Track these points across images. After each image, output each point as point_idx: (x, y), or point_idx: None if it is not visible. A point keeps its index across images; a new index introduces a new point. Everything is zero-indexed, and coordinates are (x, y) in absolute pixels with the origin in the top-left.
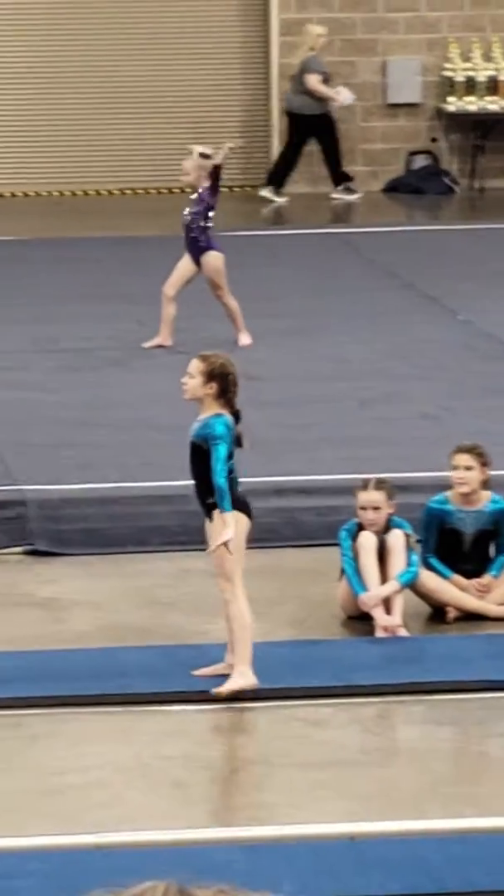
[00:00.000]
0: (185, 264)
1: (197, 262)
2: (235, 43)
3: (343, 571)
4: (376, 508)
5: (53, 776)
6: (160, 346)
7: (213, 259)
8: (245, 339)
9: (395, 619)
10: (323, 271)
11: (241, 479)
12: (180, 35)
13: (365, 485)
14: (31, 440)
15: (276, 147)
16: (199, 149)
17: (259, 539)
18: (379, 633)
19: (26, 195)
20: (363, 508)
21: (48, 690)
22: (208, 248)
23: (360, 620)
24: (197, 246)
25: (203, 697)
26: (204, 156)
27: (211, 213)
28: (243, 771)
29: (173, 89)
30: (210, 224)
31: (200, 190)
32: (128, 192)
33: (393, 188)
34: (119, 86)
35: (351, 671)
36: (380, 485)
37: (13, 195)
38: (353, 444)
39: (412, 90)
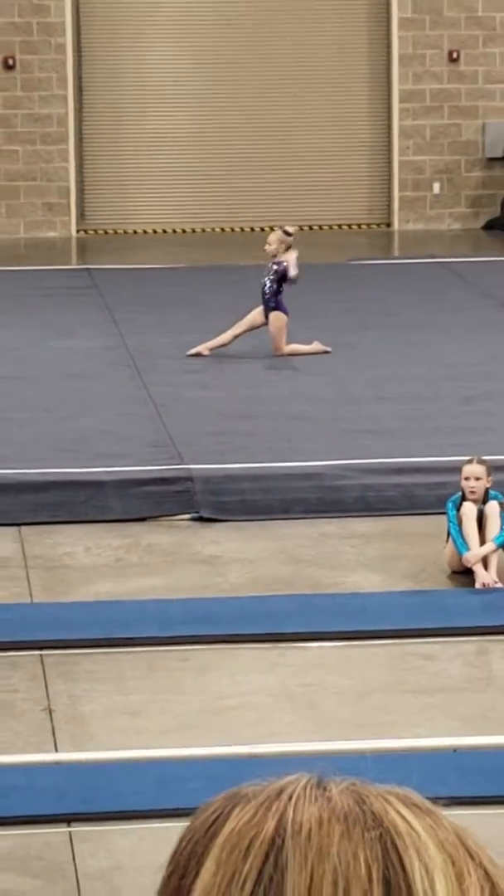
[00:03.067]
0: (257, 315)
1: (267, 316)
2: (364, 109)
3: (449, 535)
4: (478, 479)
5: (216, 700)
6: (199, 355)
7: (277, 318)
8: (319, 347)
9: (492, 574)
10: (434, 293)
11: (369, 460)
12: (318, 99)
13: (470, 460)
14: (198, 429)
15: (396, 192)
16: (286, 227)
17: (382, 509)
18: (478, 586)
19: (194, 231)
20: (467, 479)
21: (212, 630)
22: (276, 308)
23: (463, 575)
24: (268, 306)
25: (336, 636)
26: (286, 233)
27: (284, 284)
28: (368, 696)
29: (311, 145)
30: (282, 290)
31: (276, 263)
32: (276, 228)
33: (491, 226)
34: (267, 144)
35: (456, 615)
36: (481, 461)
37: (184, 231)
38: (459, 432)
39: None
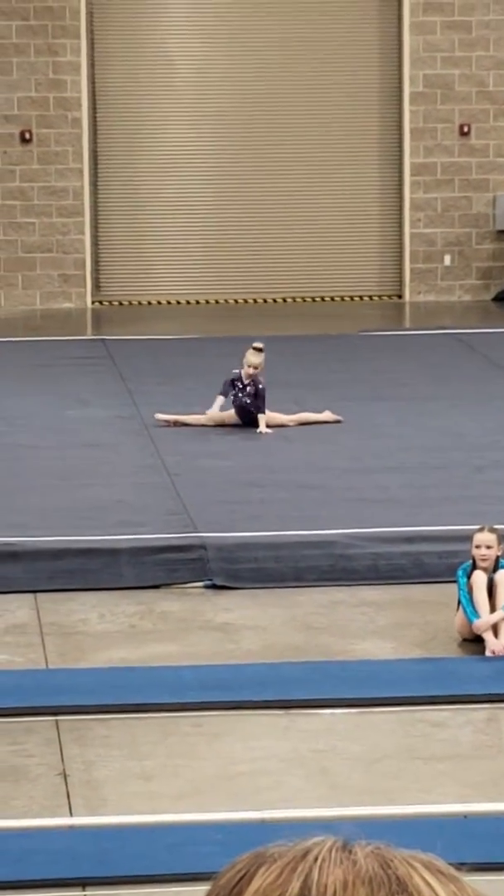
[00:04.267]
0: (229, 417)
1: (252, 422)
2: (375, 182)
3: (459, 603)
4: (489, 547)
5: (229, 765)
6: (167, 423)
7: (267, 418)
8: (331, 416)
9: (502, 641)
10: (444, 364)
11: (380, 529)
12: (331, 172)
13: (481, 528)
14: (211, 497)
15: (407, 264)
16: (256, 343)
17: (393, 577)
18: (488, 653)
19: (208, 302)
20: (478, 546)
21: (224, 696)
22: (259, 411)
23: (473, 643)
24: (254, 417)
25: (348, 703)
26: (259, 349)
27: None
28: (379, 762)
29: (324, 217)
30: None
31: (258, 383)
32: (288, 300)
33: (501, 298)
34: (280, 217)
35: (465, 683)
36: (492, 529)
37: (198, 302)
38: (468, 501)
39: None
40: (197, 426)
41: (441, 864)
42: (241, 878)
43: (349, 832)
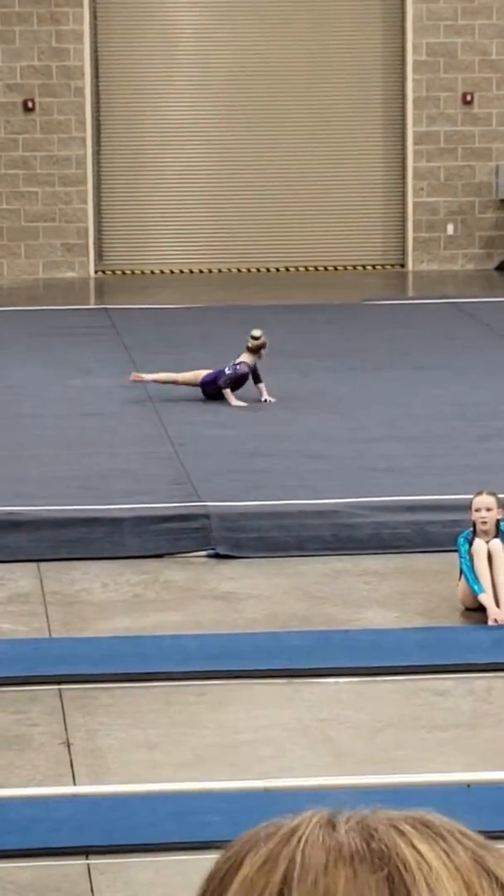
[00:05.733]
0: (193, 378)
1: (210, 393)
2: (378, 151)
3: (462, 572)
4: (489, 509)
5: (232, 734)
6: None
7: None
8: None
9: None
10: (447, 333)
11: (382, 498)
12: (333, 141)
13: (479, 492)
14: (215, 467)
15: (410, 233)
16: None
17: (396, 546)
18: (491, 622)
19: (211, 271)
20: (478, 510)
21: (228, 665)
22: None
23: (476, 611)
24: (213, 390)
25: (351, 672)
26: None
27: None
28: (382, 731)
29: (327, 186)
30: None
31: (238, 364)
32: (291, 269)
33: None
34: (283, 186)
35: (468, 652)
36: (490, 492)
37: (201, 271)
38: (472, 470)
39: None
40: (164, 382)
41: (435, 821)
42: (230, 867)
43: (341, 801)
